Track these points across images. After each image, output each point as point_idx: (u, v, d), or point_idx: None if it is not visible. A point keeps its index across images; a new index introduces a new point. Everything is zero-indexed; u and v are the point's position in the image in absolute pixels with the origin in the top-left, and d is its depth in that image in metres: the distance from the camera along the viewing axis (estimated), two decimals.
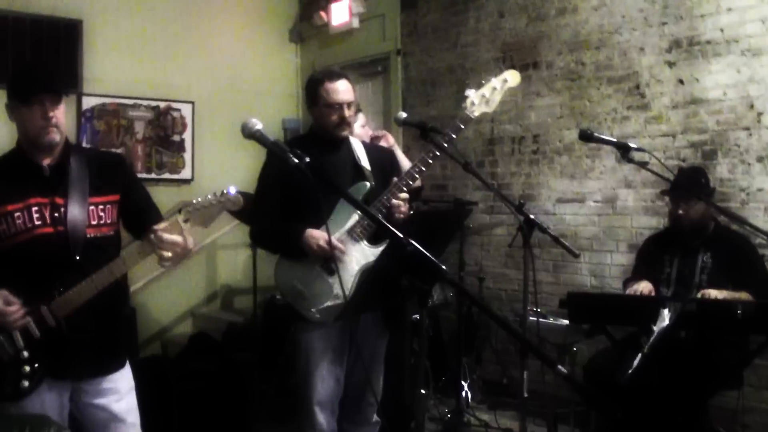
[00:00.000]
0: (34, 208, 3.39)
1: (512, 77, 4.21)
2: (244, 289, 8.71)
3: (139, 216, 3.65)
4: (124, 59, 8.35)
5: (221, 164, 8.72)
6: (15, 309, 3.27)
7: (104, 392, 3.56)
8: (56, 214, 3.41)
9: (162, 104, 8.63)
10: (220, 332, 7.77)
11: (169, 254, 3.34)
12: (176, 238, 3.32)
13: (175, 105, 8.72)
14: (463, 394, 6.52)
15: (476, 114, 4.10)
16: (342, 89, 4.25)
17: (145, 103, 8.52)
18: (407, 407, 4.57)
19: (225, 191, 3.33)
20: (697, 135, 5.94)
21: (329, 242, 3.97)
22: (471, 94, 4.13)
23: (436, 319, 6.64)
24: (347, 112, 4.24)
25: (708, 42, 5.86)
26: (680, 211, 5.00)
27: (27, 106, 3.36)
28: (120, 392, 3.61)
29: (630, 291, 4.98)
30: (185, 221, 3.32)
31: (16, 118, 3.43)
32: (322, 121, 4.29)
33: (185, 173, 8.79)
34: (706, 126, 5.89)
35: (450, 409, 6.42)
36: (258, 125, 3.00)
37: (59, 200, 3.43)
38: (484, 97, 4.12)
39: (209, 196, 3.33)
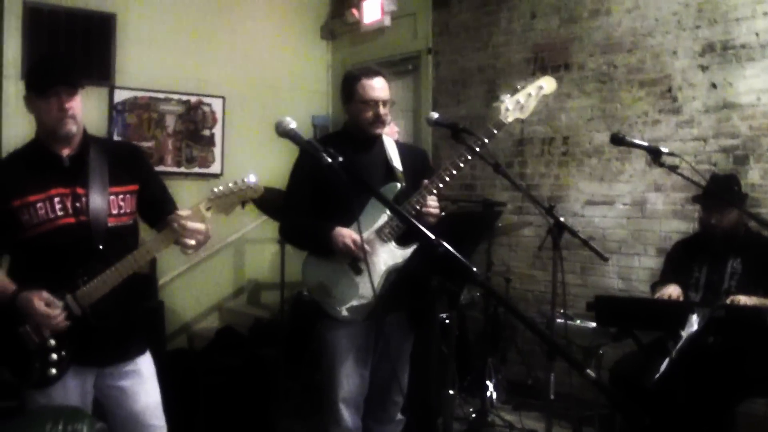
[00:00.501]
0: (56, 199, 3.43)
1: (548, 84, 4.18)
2: (271, 284, 8.75)
3: (155, 206, 3.70)
4: (156, 53, 8.39)
5: (251, 159, 8.74)
6: (58, 312, 3.33)
7: (127, 375, 3.62)
8: (78, 204, 3.45)
9: (193, 98, 8.67)
10: (246, 327, 7.81)
11: (192, 242, 3.39)
12: (199, 225, 3.37)
13: (206, 99, 8.75)
14: (488, 394, 6.53)
15: (510, 120, 4.07)
16: (378, 86, 4.24)
17: (176, 97, 8.56)
18: (433, 406, 4.57)
19: (245, 179, 3.39)
20: (729, 140, 5.91)
21: (355, 241, 3.97)
22: (506, 99, 4.10)
23: (462, 318, 6.63)
24: (383, 110, 4.23)
25: (742, 46, 5.82)
26: (713, 221, 4.97)
27: (43, 99, 3.39)
28: (143, 375, 3.67)
29: (658, 295, 4.95)
30: (207, 209, 3.38)
31: (33, 109, 3.46)
32: (357, 117, 4.27)
33: (215, 167, 8.82)
34: (738, 131, 5.85)
35: (474, 409, 6.42)
36: (292, 124, 3.04)
37: (80, 190, 3.47)
38: (518, 104, 4.09)
39: (230, 185, 3.40)
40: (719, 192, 4.99)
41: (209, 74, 8.78)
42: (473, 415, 6.33)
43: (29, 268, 3.46)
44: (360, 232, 3.98)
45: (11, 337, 3.38)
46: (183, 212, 3.37)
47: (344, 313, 4.14)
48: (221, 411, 5.85)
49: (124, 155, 3.72)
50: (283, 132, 3.03)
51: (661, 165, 4.33)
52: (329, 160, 2.82)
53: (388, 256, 4.12)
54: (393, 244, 4.12)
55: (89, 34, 7.92)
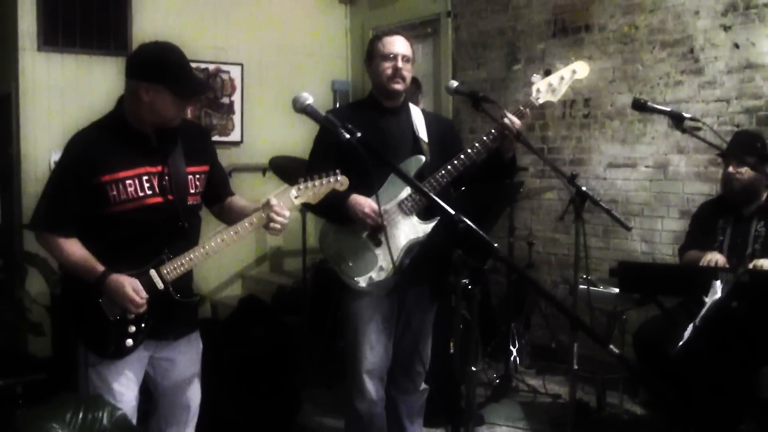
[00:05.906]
0: (145, 177, 3.49)
1: (581, 69, 4.17)
2: (293, 252, 8.77)
3: (218, 188, 3.86)
4: (173, 21, 8.32)
5: (271, 126, 8.73)
6: (144, 302, 3.41)
7: (179, 346, 3.77)
8: (164, 183, 3.53)
9: (211, 66, 8.61)
10: (269, 294, 7.82)
11: (278, 226, 3.49)
12: (287, 212, 3.50)
13: (224, 67, 8.69)
14: (512, 359, 6.54)
15: (541, 101, 4.06)
16: (398, 42, 4.23)
17: (194, 65, 8.35)
18: (456, 376, 4.57)
19: (333, 174, 3.56)
20: (752, 100, 5.84)
21: (375, 210, 3.97)
22: (537, 80, 4.09)
23: (485, 284, 6.62)
24: (401, 64, 4.19)
25: (765, 5, 5.73)
26: (730, 168, 4.96)
27: (182, 100, 3.53)
28: (193, 346, 3.85)
29: (704, 263, 4.90)
30: (296, 197, 3.53)
31: (151, 98, 3.43)
32: (377, 76, 4.25)
33: (234, 135, 8.79)
34: (761, 91, 5.79)
35: (498, 374, 6.44)
36: (309, 99, 3.03)
37: (165, 169, 3.54)
38: (550, 86, 4.08)
39: (317, 178, 3.54)
40: (741, 146, 4.96)
41: (227, 41, 8.72)
42: (497, 381, 6.36)
43: (111, 243, 3.49)
44: (379, 204, 3.96)
45: (89, 307, 3.44)
46: (273, 199, 3.48)
47: (362, 284, 4.13)
48: (246, 379, 5.88)
49: (194, 136, 3.79)
50: (300, 108, 3.03)
51: (683, 131, 4.27)
52: (347, 135, 2.80)
53: (410, 229, 4.11)
54: (415, 217, 4.11)
55: (105, 3, 7.87)
